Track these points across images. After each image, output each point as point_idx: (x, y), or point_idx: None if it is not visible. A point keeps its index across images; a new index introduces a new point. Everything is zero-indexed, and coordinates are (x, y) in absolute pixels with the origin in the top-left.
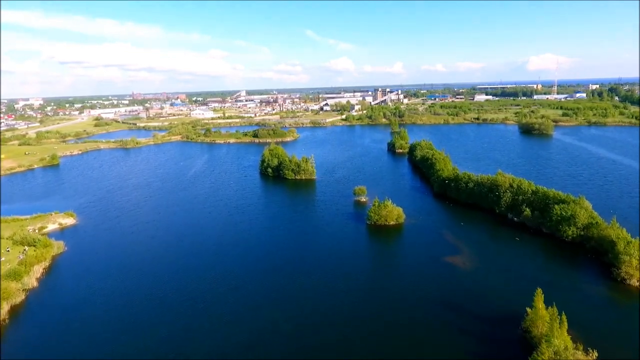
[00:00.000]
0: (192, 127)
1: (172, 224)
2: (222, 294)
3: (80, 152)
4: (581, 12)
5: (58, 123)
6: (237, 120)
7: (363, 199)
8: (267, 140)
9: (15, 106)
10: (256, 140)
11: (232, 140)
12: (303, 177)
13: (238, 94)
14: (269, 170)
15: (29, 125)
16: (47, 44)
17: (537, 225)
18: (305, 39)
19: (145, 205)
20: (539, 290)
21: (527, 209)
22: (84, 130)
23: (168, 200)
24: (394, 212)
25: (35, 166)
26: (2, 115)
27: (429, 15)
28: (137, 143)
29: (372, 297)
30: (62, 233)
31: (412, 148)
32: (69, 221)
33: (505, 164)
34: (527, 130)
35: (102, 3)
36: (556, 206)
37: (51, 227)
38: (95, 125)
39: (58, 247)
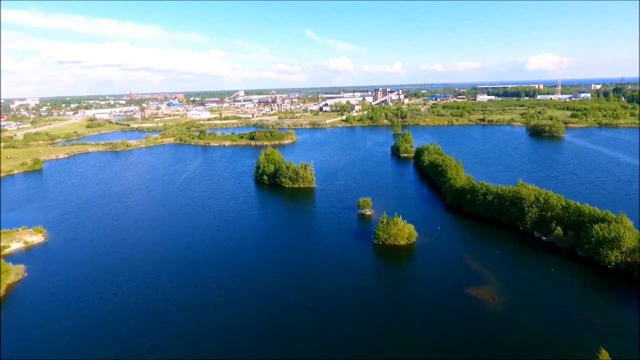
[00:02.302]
0: (187, 128)
1: (152, 241)
2: (202, 334)
3: (66, 155)
4: (581, 12)
5: (50, 124)
6: (234, 121)
7: (368, 212)
8: (264, 143)
9: (11, 106)
10: (252, 142)
11: (227, 143)
12: (301, 186)
13: (236, 93)
14: (265, 177)
15: (19, 127)
16: (46, 43)
17: (570, 246)
18: (305, 38)
19: (125, 218)
20: (605, 353)
21: (558, 228)
22: (75, 132)
23: (152, 211)
24: (404, 231)
25: (16, 172)
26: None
27: (428, 15)
28: (127, 146)
29: (383, 342)
30: (27, 253)
31: (419, 152)
32: (37, 239)
33: (519, 170)
34: (536, 133)
35: (102, 3)
36: (595, 226)
37: (15, 246)
38: (88, 127)
39: (17, 272)
